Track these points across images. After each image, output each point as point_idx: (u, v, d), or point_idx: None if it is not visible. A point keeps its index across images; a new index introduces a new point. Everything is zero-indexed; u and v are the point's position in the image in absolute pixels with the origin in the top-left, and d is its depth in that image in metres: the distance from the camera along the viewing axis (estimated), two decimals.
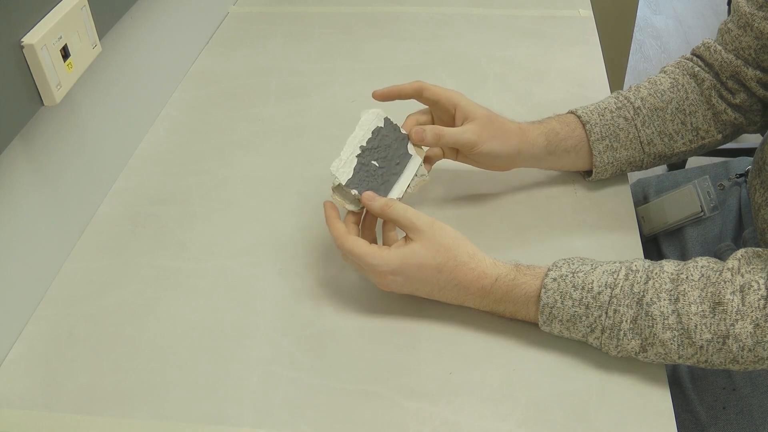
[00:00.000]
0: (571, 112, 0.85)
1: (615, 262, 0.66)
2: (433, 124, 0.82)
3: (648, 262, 0.66)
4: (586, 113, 0.84)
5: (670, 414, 0.62)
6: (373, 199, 0.70)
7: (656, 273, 0.64)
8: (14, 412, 0.65)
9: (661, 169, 2.30)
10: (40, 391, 0.67)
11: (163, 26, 1.03)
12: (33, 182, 0.74)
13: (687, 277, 0.63)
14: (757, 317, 0.59)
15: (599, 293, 0.64)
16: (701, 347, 0.61)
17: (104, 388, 0.66)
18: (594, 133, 0.82)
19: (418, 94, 0.80)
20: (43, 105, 0.71)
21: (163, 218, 0.85)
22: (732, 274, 0.62)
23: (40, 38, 0.68)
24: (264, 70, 1.12)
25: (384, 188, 0.72)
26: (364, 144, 0.73)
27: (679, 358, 0.62)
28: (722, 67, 0.84)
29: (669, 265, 0.65)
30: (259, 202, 0.87)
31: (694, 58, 0.88)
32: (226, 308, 0.73)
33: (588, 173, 0.86)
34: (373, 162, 0.71)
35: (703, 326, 0.60)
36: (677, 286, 0.62)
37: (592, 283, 0.64)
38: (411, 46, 1.18)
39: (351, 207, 0.71)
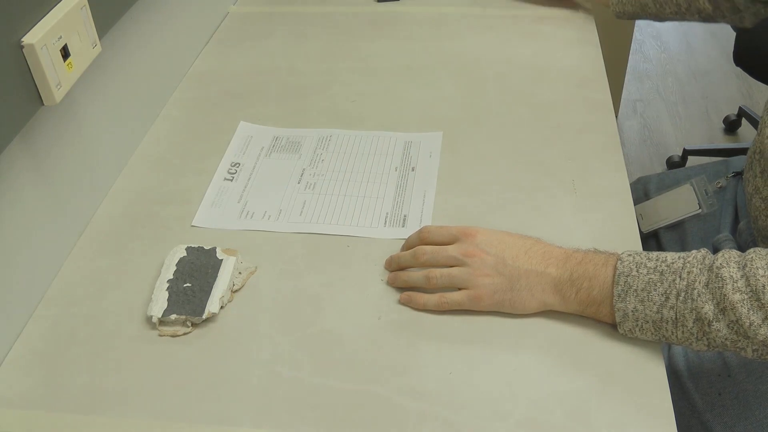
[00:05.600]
0: None
1: None
2: None
3: None
4: None
5: (670, 414, 0.62)
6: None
7: (726, 250, 0.66)
8: (14, 412, 0.65)
9: (661, 167, 2.31)
10: (40, 391, 0.67)
11: (163, 26, 1.03)
12: (33, 182, 0.75)
13: (754, 251, 0.65)
14: None
15: (673, 262, 0.66)
16: None
17: (104, 388, 0.66)
18: None
19: None
20: (43, 105, 0.71)
21: (163, 218, 0.85)
22: None
23: (40, 38, 0.68)
24: (264, 70, 1.12)
25: (202, 298, 0.72)
26: (171, 276, 0.74)
27: (750, 325, 0.61)
28: None
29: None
30: None
31: None
32: (225, 308, 0.73)
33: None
34: (184, 285, 0.73)
35: None
36: (745, 256, 0.64)
37: (666, 256, 0.67)
38: (411, 46, 1.18)
39: (182, 331, 0.71)
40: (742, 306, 0.62)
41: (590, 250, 0.71)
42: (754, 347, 0.63)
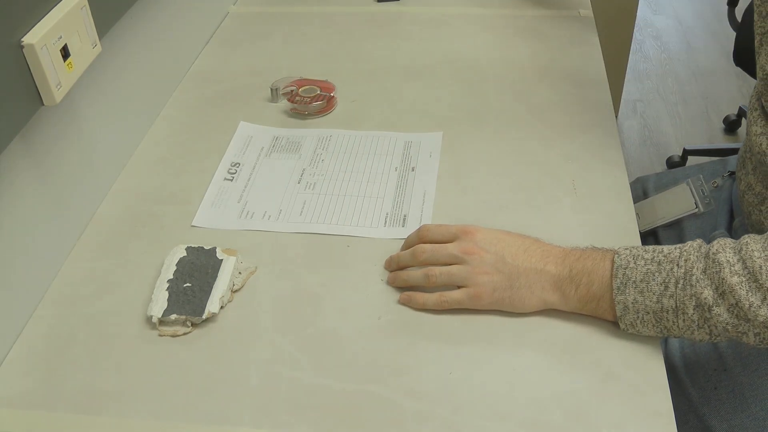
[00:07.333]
0: None
1: None
2: None
3: None
4: None
5: (670, 414, 0.62)
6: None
7: (721, 238, 0.67)
8: (14, 412, 0.65)
9: (661, 167, 2.31)
10: (40, 391, 0.67)
11: (163, 26, 1.03)
12: (33, 182, 0.75)
13: (748, 236, 0.65)
14: None
15: (669, 252, 0.67)
16: None
17: (104, 388, 0.66)
18: None
19: None
20: (43, 105, 0.71)
21: (163, 218, 0.85)
22: None
23: (40, 38, 0.68)
24: (264, 70, 1.12)
25: (202, 298, 0.72)
26: (171, 276, 0.74)
27: (750, 307, 0.62)
28: None
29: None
30: None
31: None
32: (225, 308, 0.73)
33: None
34: (184, 285, 0.73)
35: None
36: (740, 242, 0.65)
37: (662, 247, 0.68)
38: (411, 46, 1.18)
39: (182, 331, 0.71)
40: (740, 288, 0.62)
41: (588, 247, 0.71)
42: (755, 331, 0.63)
